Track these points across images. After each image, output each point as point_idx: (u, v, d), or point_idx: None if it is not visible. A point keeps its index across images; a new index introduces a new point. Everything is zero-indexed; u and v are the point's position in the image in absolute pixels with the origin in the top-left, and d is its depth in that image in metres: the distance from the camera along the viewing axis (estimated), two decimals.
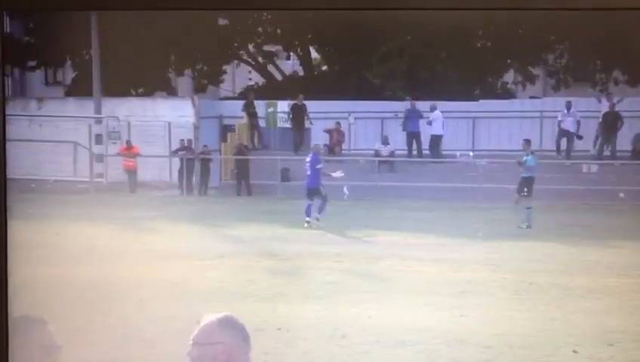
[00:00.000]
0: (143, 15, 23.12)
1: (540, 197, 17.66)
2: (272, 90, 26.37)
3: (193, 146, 21.40)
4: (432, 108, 21.03)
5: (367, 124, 23.04)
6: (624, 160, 19.93)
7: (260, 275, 9.42)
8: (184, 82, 29.08)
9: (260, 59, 28.27)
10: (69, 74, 28.06)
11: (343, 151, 21.99)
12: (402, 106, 21.96)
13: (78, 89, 24.73)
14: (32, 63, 26.44)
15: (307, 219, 13.54)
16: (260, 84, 28.70)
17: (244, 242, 12.08)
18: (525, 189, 13.80)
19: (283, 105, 23.24)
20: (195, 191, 21.15)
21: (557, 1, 2.49)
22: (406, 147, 20.93)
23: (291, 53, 30.24)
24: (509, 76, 26.22)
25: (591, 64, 24.61)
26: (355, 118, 22.85)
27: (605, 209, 16.72)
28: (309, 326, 6.93)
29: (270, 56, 28.39)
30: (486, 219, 13.67)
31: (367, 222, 13.68)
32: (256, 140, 22.51)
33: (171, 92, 26.52)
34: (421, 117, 20.90)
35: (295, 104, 21.54)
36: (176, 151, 21.51)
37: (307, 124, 21.66)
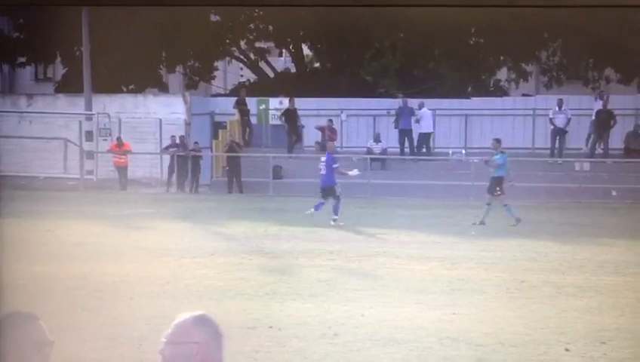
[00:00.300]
0: (134, 11, 23.01)
1: (532, 196, 17.70)
2: (263, 87, 26.30)
3: (186, 142, 21.28)
4: (420, 106, 20.98)
5: (359, 121, 22.99)
6: (616, 158, 19.97)
7: (252, 273, 9.37)
8: (175, 79, 28.97)
9: (252, 55, 28.19)
10: (59, 70, 27.90)
11: (335, 149, 21.92)
12: (395, 104, 21.91)
13: (69, 85, 24.58)
14: (22, 59, 26.28)
15: (312, 210, 13.53)
16: (252, 80, 28.62)
17: (236, 240, 12.03)
18: (497, 188, 13.78)
19: (275, 103, 23.17)
20: (186, 189, 21.06)
21: None
22: (398, 145, 20.90)
23: (283, 50, 30.20)
24: (502, 74, 26.24)
25: (583, 62, 24.66)
26: (348, 116, 22.80)
27: (597, 207, 16.78)
28: (301, 324, 6.89)
29: (262, 53, 28.32)
30: (479, 217, 13.66)
31: (359, 219, 13.65)
32: (247, 137, 22.42)
33: (162, 89, 26.41)
34: (413, 114, 20.83)
35: (287, 109, 21.52)
36: (167, 147, 21.38)
37: (299, 125, 21.58)
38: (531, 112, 21.58)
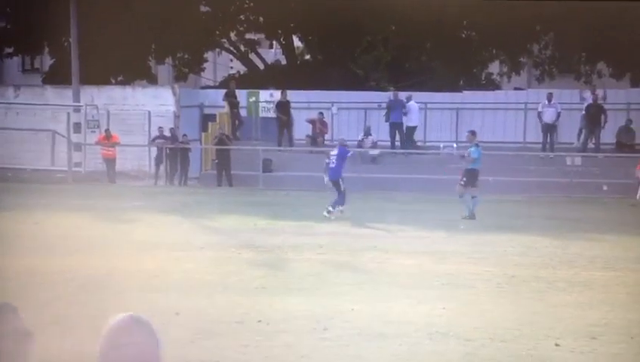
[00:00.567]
0: (123, 1, 22.80)
1: (523, 190, 17.70)
2: (254, 79, 26.16)
3: (176, 134, 21.11)
4: (408, 99, 20.91)
5: (350, 114, 22.90)
6: (608, 152, 19.99)
7: (241, 267, 9.30)
8: (164, 70, 28.78)
9: (242, 47, 28.03)
10: (46, 61, 27.65)
11: (325, 142, 21.84)
12: (386, 97, 21.81)
13: (56, 76, 24.34)
14: (9, 50, 26.00)
15: (339, 208, 13.51)
16: (242, 72, 28.47)
17: (225, 233, 11.95)
18: (464, 179, 13.74)
19: (265, 95, 23.05)
20: (175, 182, 20.92)
21: None
22: (389, 138, 20.83)
23: (274, 42, 30.05)
24: (494, 67, 26.22)
25: (576, 55, 24.67)
26: (339, 109, 22.71)
27: (589, 201, 16.80)
28: (290, 318, 6.84)
29: (252, 45, 28.16)
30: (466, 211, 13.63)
31: (349, 213, 13.60)
32: (237, 130, 22.30)
33: (151, 80, 26.22)
34: (404, 107, 20.76)
35: (280, 101, 21.37)
36: (154, 139, 21.20)
37: (292, 120, 21.44)
38: (523, 106, 21.55)
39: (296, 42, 28.52)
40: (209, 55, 28.21)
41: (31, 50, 27.29)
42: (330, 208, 13.43)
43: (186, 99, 22.78)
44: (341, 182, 13.71)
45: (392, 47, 24.62)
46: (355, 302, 7.52)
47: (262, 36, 28.52)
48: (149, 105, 22.08)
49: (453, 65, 24.48)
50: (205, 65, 27.88)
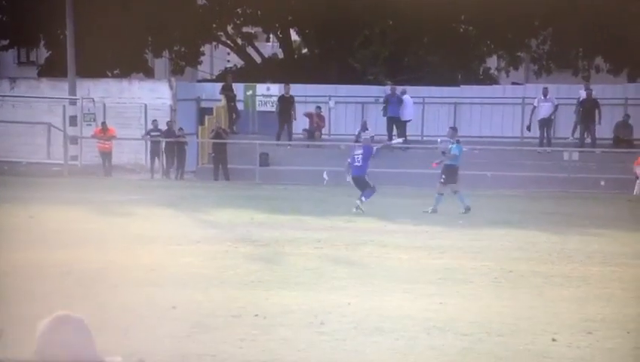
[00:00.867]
0: None
1: (520, 185, 17.70)
2: (251, 72, 26.08)
3: (173, 128, 21.03)
4: (402, 93, 20.87)
5: (347, 108, 22.86)
6: (605, 148, 19.98)
7: (238, 261, 9.28)
8: (161, 64, 28.68)
9: (239, 40, 27.94)
10: (42, 54, 27.53)
11: (322, 136, 21.81)
12: (383, 91, 21.77)
13: (52, 69, 24.23)
14: (5, 42, 25.88)
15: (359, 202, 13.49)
16: (239, 66, 28.39)
17: (222, 227, 11.92)
18: (444, 176, 13.74)
19: (262, 89, 22.98)
20: (172, 175, 20.87)
21: None
22: (386, 132, 20.80)
23: (271, 36, 29.96)
24: (492, 62, 26.19)
25: (573, 51, 24.64)
26: (336, 103, 22.67)
27: (586, 197, 16.81)
28: (287, 312, 6.82)
29: (249, 38, 28.07)
30: (463, 206, 13.62)
31: (347, 208, 13.58)
32: (234, 124, 22.23)
33: (148, 74, 26.12)
34: (401, 102, 20.72)
35: (282, 96, 21.27)
36: (148, 132, 21.13)
37: (293, 116, 21.30)
38: (521, 101, 21.53)
39: (294, 36, 28.44)
40: (206, 48, 28.12)
41: (27, 43, 27.18)
42: (358, 202, 13.40)
43: (183, 92, 22.71)
44: (367, 179, 13.71)
45: (389, 42, 24.58)
46: (352, 297, 7.50)
47: (259, 29, 28.44)
48: (145, 99, 22.01)
49: (451, 59, 24.46)
50: (202, 58, 27.80)
